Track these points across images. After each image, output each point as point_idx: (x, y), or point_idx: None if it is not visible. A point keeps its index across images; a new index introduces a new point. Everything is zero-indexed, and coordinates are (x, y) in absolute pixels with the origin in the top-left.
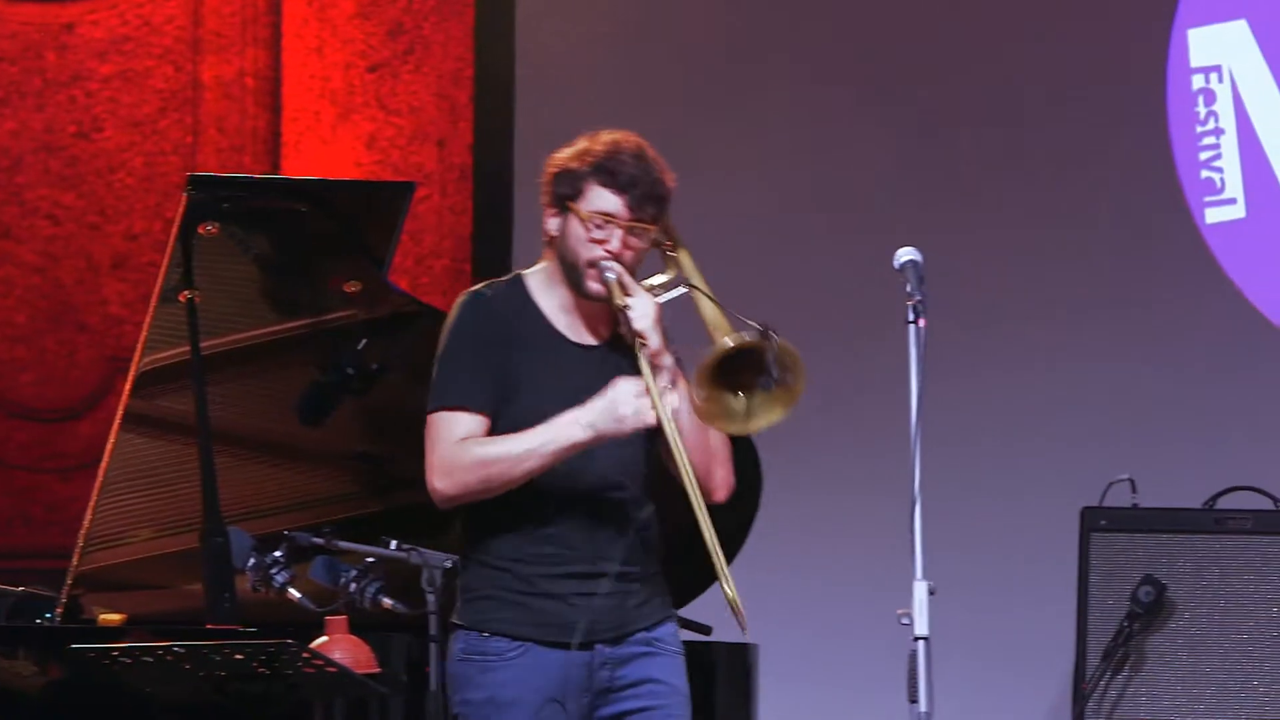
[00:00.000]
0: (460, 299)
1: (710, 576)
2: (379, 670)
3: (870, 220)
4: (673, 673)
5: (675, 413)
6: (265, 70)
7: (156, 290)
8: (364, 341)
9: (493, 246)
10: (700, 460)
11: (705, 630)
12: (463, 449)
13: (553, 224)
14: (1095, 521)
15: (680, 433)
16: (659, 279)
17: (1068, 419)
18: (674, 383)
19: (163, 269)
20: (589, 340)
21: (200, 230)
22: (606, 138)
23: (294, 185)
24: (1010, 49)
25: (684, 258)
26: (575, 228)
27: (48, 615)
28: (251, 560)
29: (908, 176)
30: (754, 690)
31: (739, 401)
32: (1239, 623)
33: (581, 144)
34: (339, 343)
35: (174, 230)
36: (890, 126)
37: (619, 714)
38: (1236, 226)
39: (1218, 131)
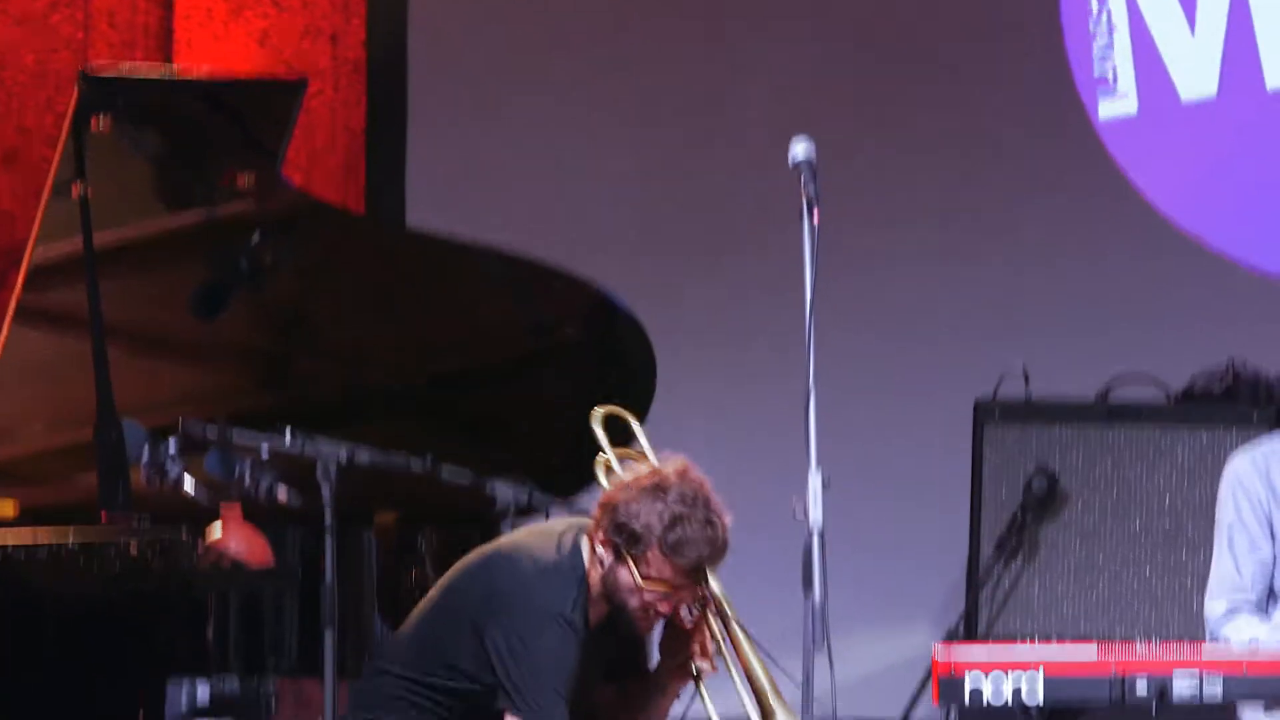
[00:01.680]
0: (553, 619)
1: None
2: (274, 563)
3: (764, 116)
4: None
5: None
6: None
7: (49, 184)
8: (257, 237)
9: (386, 142)
10: None
11: None
12: None
13: (605, 554)
14: (988, 414)
15: None
16: None
17: (962, 312)
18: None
19: (54, 163)
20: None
21: (93, 125)
22: (680, 506)
23: (186, 81)
24: None
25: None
26: (627, 577)
27: None
28: (145, 452)
29: (799, 73)
30: None
31: None
32: (1131, 512)
33: (655, 503)
34: (232, 238)
35: (66, 124)
36: (782, 22)
37: None
38: (1129, 123)
39: (1110, 28)
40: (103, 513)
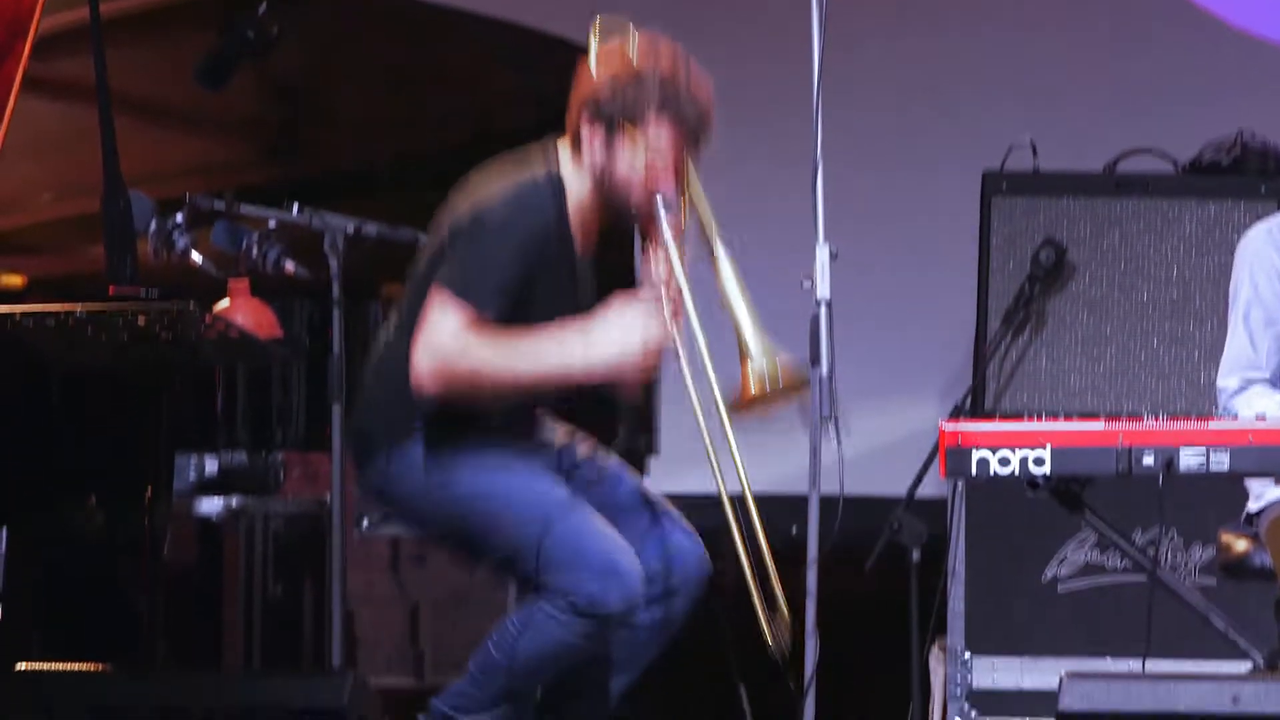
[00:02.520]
0: (521, 184)
1: None
2: (280, 333)
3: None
4: None
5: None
6: None
7: None
8: (264, 6)
9: None
10: None
11: None
12: (468, 353)
13: (596, 144)
14: (996, 185)
15: None
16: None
17: (970, 84)
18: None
19: None
20: (580, 251)
21: None
22: (671, 63)
23: None
24: None
25: (710, 224)
26: (626, 158)
27: None
28: (152, 224)
29: None
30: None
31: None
32: (1138, 284)
33: (647, 61)
34: (239, 7)
35: None
36: None
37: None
38: None
39: None
40: (110, 286)
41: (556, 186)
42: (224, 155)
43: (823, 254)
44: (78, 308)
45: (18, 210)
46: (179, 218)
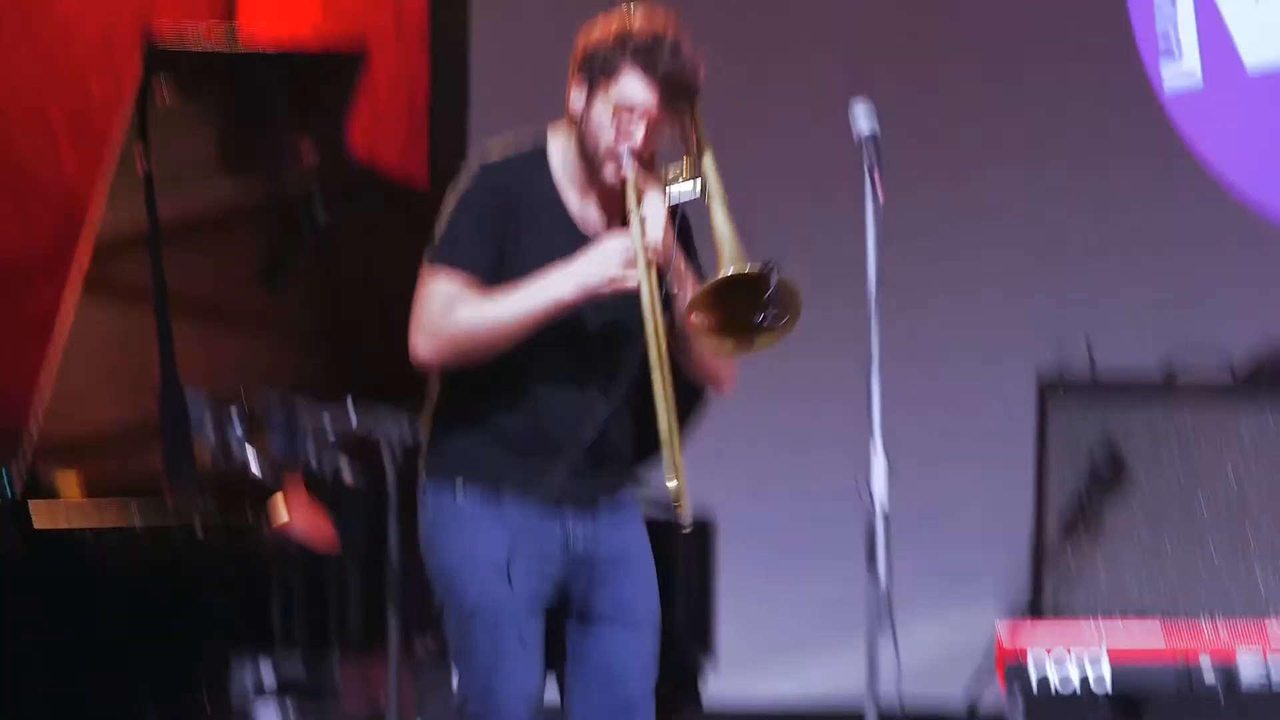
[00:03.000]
0: (472, 166)
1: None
2: (337, 541)
3: (828, 72)
4: (640, 548)
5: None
6: None
7: (114, 156)
8: (322, 210)
9: (449, 109)
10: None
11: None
12: (446, 313)
13: (577, 97)
14: (1053, 391)
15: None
16: (680, 181)
17: (1027, 284)
18: (675, 287)
19: (119, 137)
20: (596, 224)
21: (157, 98)
22: (647, 20)
23: (251, 52)
24: None
25: (708, 162)
26: (600, 111)
27: (6, 480)
28: (210, 427)
29: (864, 38)
30: (713, 564)
31: (731, 325)
32: (1195, 492)
33: (620, 21)
34: (296, 210)
35: (130, 97)
36: None
37: (589, 586)
38: (1195, 95)
39: (1174, 0)
40: (167, 488)
41: (537, 158)
42: (280, 354)
43: (879, 461)
44: (134, 516)
45: (76, 413)
46: (237, 422)
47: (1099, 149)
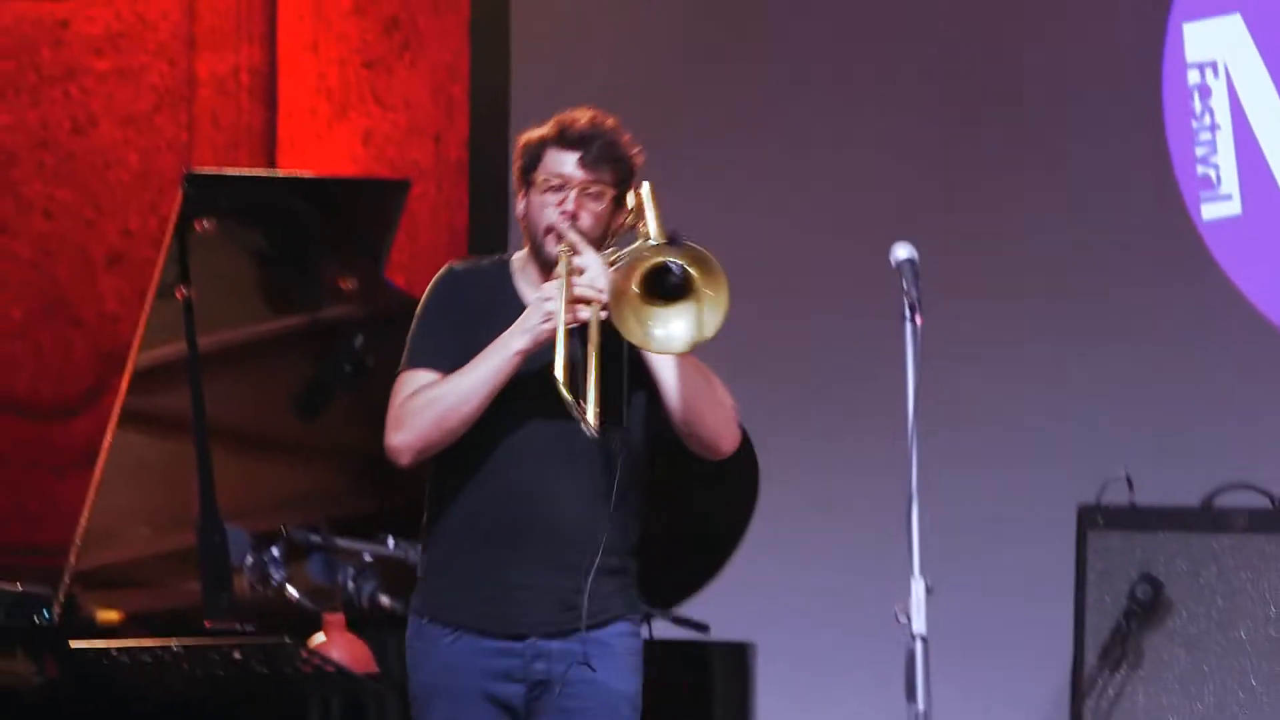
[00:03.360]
0: (439, 272)
1: (705, 578)
2: (376, 669)
3: (867, 210)
4: (613, 675)
5: (661, 366)
6: (261, 66)
7: (153, 286)
8: (360, 338)
9: (488, 241)
10: (690, 402)
11: (703, 628)
12: (413, 398)
13: (520, 205)
14: (1092, 519)
15: (655, 368)
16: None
17: (1065, 415)
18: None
19: (159, 265)
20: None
21: (196, 227)
22: (565, 113)
23: (290, 182)
24: (1006, 45)
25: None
26: (535, 197)
27: (45, 614)
28: (249, 558)
29: (904, 170)
30: (752, 687)
31: (662, 313)
32: (1236, 621)
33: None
34: (336, 339)
35: (170, 226)
36: (887, 119)
37: (553, 709)
38: (1233, 223)
39: (1213, 127)
40: (206, 620)
41: (499, 265)
42: (320, 485)
43: (918, 589)
44: (173, 643)
45: (116, 544)
46: (275, 551)
47: (1137, 278)
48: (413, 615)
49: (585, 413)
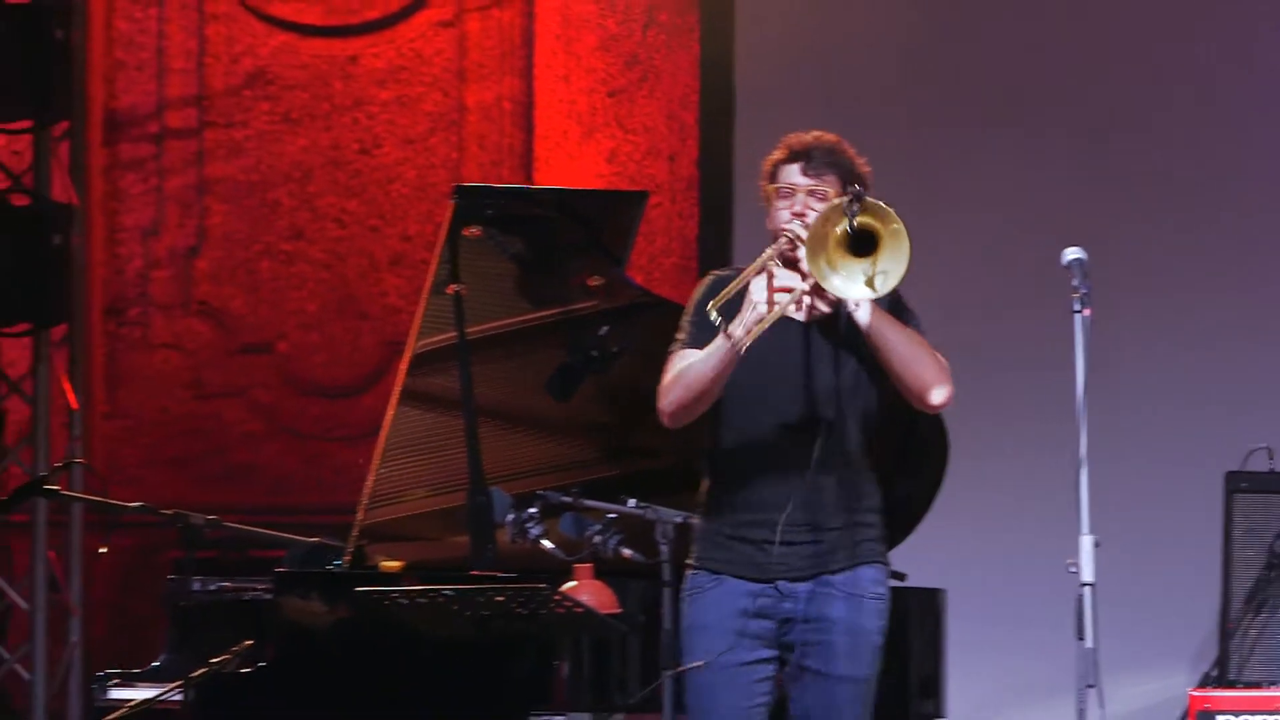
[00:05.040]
0: (704, 278)
1: (902, 536)
2: (619, 611)
3: (1042, 217)
4: (850, 612)
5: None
6: (520, 96)
7: (427, 284)
8: (605, 328)
9: (715, 247)
10: (910, 361)
11: (899, 577)
12: (673, 376)
13: (768, 219)
14: (1237, 484)
15: (886, 348)
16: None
17: (1213, 396)
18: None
19: (433, 266)
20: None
21: (465, 232)
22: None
23: (545, 194)
24: (1162, 50)
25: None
26: (775, 208)
27: (336, 563)
28: (510, 516)
29: (1076, 177)
30: (943, 630)
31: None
32: None
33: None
34: (584, 329)
35: (442, 233)
36: (1059, 129)
37: (800, 641)
38: None
39: None
40: (473, 570)
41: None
42: (570, 455)
43: (1086, 543)
44: (445, 588)
45: (398, 503)
46: (533, 510)
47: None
48: (687, 570)
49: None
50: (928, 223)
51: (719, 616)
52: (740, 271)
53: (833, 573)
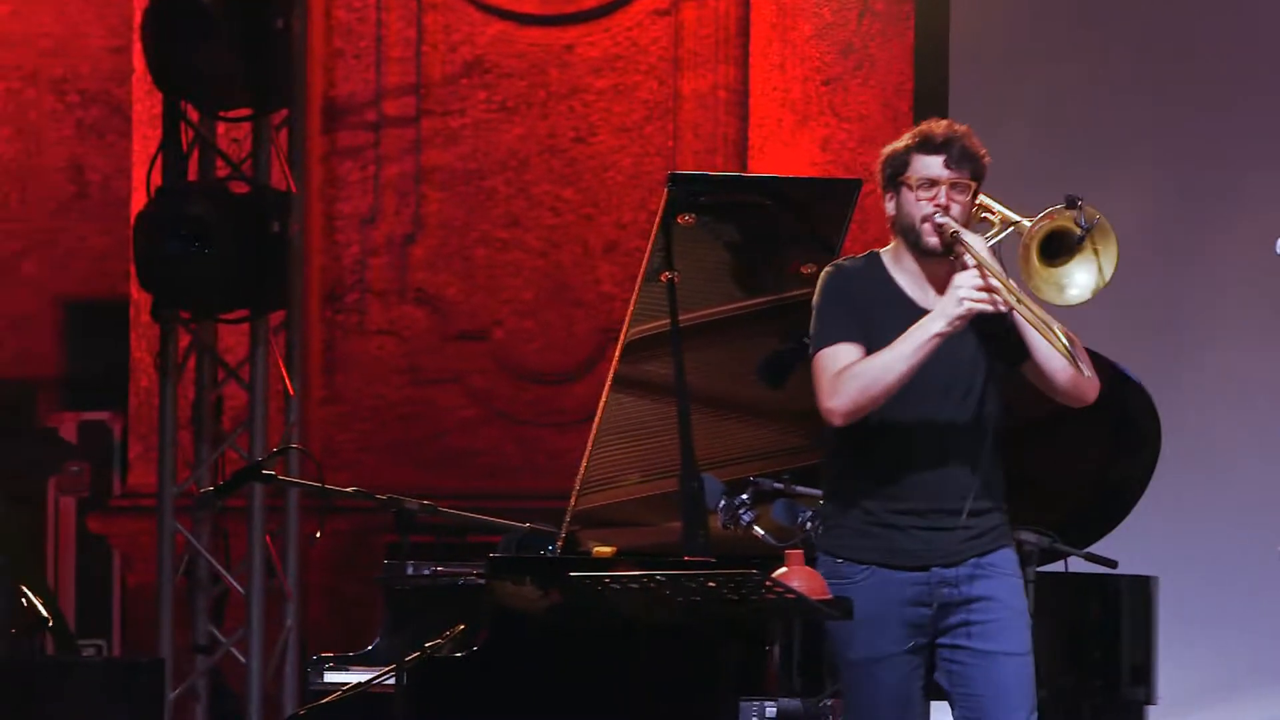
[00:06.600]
0: (824, 271)
1: (1114, 522)
2: (830, 597)
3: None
4: (1006, 592)
5: (1021, 325)
6: (735, 84)
7: (641, 271)
8: None
9: None
10: (1063, 367)
11: (1111, 564)
12: (843, 372)
13: (890, 205)
14: None
15: (1032, 342)
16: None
17: None
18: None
19: (647, 253)
20: (933, 305)
21: (679, 220)
22: (920, 126)
23: (759, 182)
24: None
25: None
26: (907, 197)
27: (549, 548)
28: (722, 502)
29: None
30: (1154, 617)
31: (1064, 271)
32: None
33: (898, 141)
34: (796, 317)
35: (657, 220)
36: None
37: (959, 624)
38: None
39: None
40: (685, 555)
41: (872, 259)
42: (783, 442)
43: None
44: (657, 573)
45: (611, 488)
46: (745, 496)
47: None
48: (823, 556)
49: (1077, 359)
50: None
51: (878, 607)
52: (856, 261)
53: (982, 555)
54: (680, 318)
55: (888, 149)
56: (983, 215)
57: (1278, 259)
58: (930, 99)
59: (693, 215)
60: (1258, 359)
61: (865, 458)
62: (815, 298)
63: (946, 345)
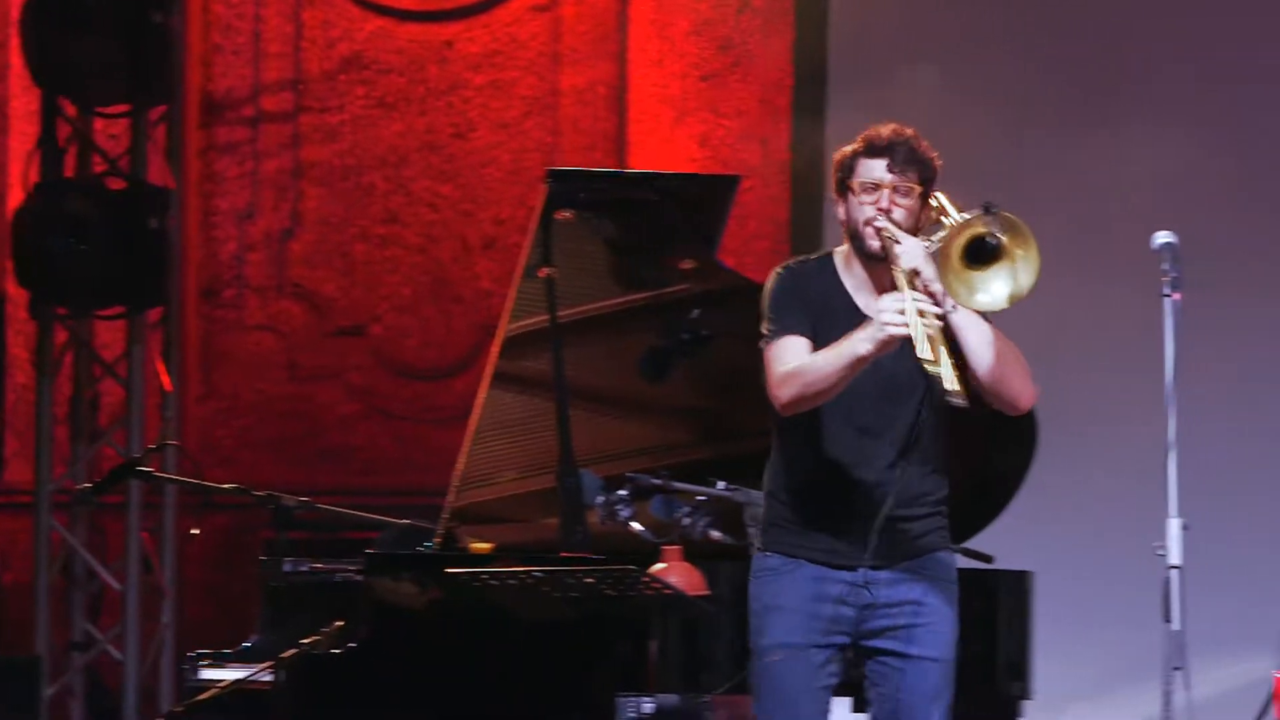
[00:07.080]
0: (775, 270)
1: (991, 517)
2: (708, 593)
3: (1138, 207)
4: (936, 596)
5: (959, 329)
6: (614, 80)
7: (520, 267)
8: (697, 311)
9: (806, 230)
10: (997, 372)
11: (987, 559)
12: (791, 367)
13: (840, 210)
14: None
15: (968, 347)
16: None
17: None
18: (945, 301)
19: (525, 249)
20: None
21: (558, 216)
22: (869, 129)
23: (638, 178)
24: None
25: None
26: (853, 202)
27: (427, 544)
28: (600, 498)
29: (1178, 165)
30: (1030, 612)
31: (982, 277)
32: None
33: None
34: (676, 312)
35: (535, 216)
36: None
37: (886, 627)
38: None
39: None
40: (562, 551)
41: (823, 260)
42: (661, 438)
43: (1174, 526)
44: (535, 569)
45: (489, 485)
46: (623, 492)
47: None
48: (757, 553)
49: (945, 383)
50: (1023, 204)
51: (798, 600)
52: (809, 262)
53: (913, 558)
54: (559, 314)
55: (838, 153)
56: (939, 218)
57: (1153, 255)
58: (809, 95)
59: (572, 211)
60: (1137, 349)
61: (801, 457)
62: (765, 295)
63: (890, 353)
